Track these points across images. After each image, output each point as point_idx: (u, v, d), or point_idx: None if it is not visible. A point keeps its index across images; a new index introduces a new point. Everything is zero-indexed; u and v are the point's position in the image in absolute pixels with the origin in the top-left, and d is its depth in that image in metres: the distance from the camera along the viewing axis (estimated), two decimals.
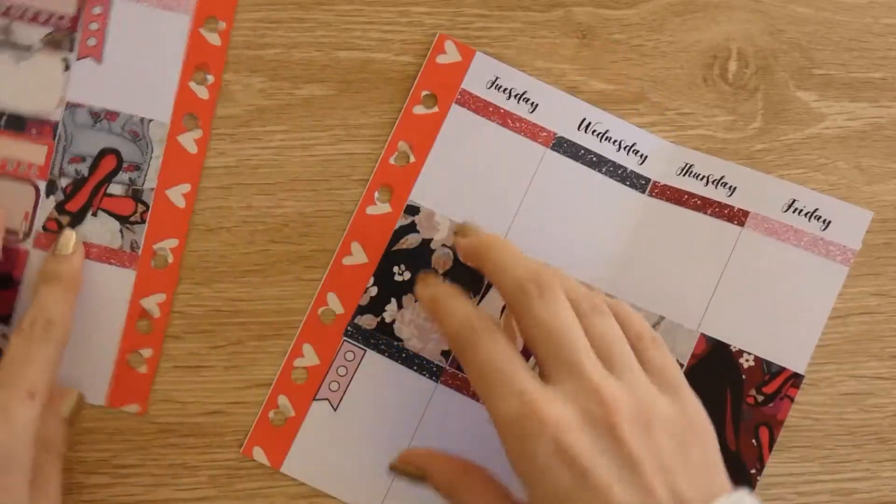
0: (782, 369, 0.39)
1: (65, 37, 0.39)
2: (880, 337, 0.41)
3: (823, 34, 0.42)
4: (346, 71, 0.41)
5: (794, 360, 0.39)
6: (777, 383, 0.39)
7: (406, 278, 0.40)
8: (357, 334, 0.40)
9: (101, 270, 0.39)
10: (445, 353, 0.40)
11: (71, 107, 0.39)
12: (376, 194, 0.40)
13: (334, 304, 0.40)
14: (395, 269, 0.40)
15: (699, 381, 0.39)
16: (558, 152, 0.40)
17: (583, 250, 0.40)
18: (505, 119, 0.40)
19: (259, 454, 0.39)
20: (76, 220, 0.39)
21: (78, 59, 0.39)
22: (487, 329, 0.34)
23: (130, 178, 0.39)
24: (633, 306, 0.39)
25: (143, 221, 0.39)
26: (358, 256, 0.40)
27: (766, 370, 0.39)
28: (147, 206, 0.39)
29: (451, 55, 0.40)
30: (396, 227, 0.40)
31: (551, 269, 0.36)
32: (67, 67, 0.39)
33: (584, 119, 0.41)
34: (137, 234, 0.39)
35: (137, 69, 0.40)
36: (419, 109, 0.40)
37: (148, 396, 0.39)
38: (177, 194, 0.39)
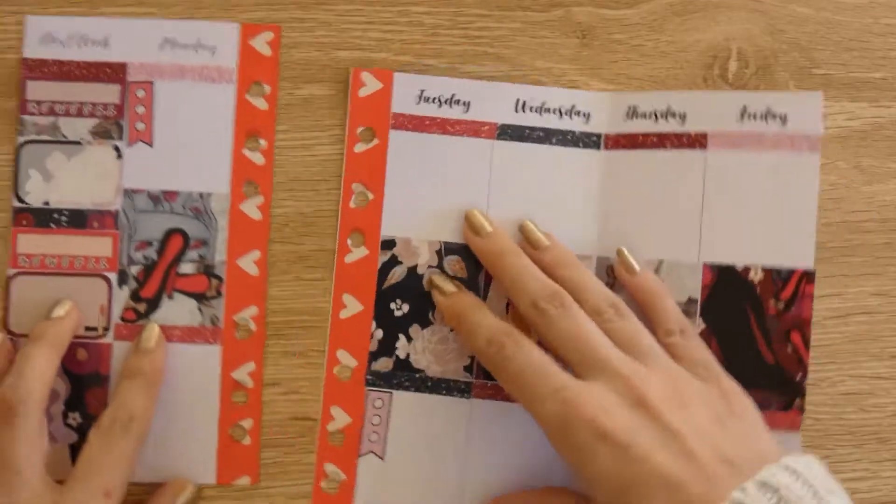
0: (792, 271, 0.39)
1: (112, 125, 0.39)
2: (880, 337, 0.41)
3: (823, 34, 0.42)
4: (346, 71, 0.41)
5: (799, 257, 0.39)
6: (791, 286, 0.39)
7: (405, 311, 0.40)
8: (378, 380, 0.40)
9: (186, 351, 0.39)
10: (468, 368, 0.40)
11: (129, 193, 0.39)
12: (349, 241, 0.40)
13: (346, 359, 0.40)
14: (393, 305, 0.40)
15: (717, 310, 0.39)
16: (505, 139, 0.40)
17: (562, 224, 0.40)
18: (444, 127, 0.40)
19: None
20: (152, 305, 0.39)
21: (129, 145, 0.39)
22: (515, 342, 0.36)
23: (200, 255, 0.39)
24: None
25: (219, 295, 0.39)
26: (353, 307, 0.40)
27: (777, 277, 0.39)
28: (221, 279, 0.39)
29: (370, 85, 0.40)
30: (379, 265, 0.40)
31: (577, 271, 0.38)
32: (120, 155, 0.39)
33: (517, 100, 0.40)
34: (216, 309, 0.39)
35: (190, 146, 0.39)
36: (360, 147, 0.40)
37: (258, 467, 0.39)
38: (248, 262, 0.39)
